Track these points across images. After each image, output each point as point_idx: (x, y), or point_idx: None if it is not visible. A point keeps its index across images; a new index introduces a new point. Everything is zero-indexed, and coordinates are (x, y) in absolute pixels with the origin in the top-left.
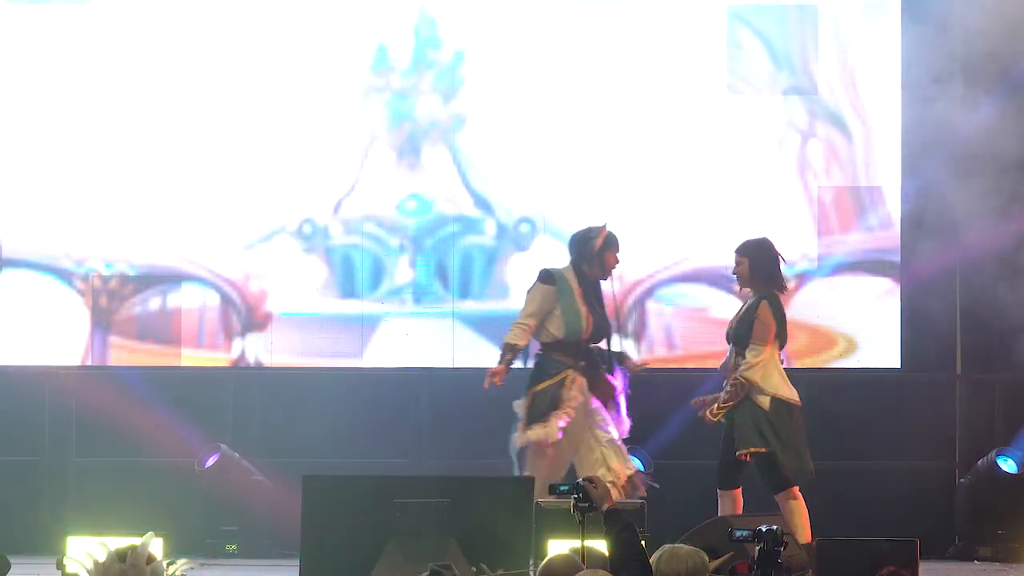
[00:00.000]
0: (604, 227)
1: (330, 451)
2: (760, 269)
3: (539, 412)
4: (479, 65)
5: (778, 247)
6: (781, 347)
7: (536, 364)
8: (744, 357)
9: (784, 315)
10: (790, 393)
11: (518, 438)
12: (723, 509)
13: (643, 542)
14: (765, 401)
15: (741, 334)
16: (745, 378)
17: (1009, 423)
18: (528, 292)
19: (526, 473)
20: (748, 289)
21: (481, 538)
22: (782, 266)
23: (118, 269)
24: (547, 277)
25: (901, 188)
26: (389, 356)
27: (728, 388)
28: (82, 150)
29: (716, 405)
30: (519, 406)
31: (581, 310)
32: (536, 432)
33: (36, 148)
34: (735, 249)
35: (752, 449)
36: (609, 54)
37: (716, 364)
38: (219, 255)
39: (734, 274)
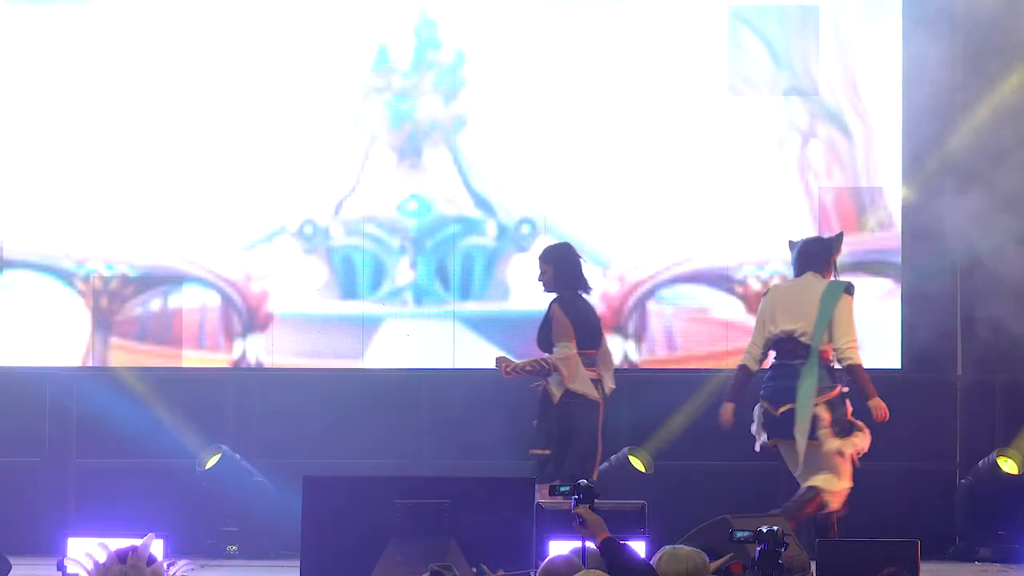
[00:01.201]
0: (842, 235)
1: (330, 452)
2: (564, 274)
3: (846, 420)
4: (480, 66)
5: (579, 251)
6: (586, 347)
7: (827, 372)
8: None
9: (581, 314)
10: (587, 391)
11: (839, 443)
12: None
13: (643, 543)
14: (558, 395)
15: (542, 338)
16: (553, 361)
17: (1009, 424)
18: (838, 306)
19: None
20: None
21: (481, 538)
22: (584, 269)
23: (119, 270)
24: (852, 289)
25: (902, 189)
26: (390, 357)
27: (533, 360)
28: (83, 151)
29: (514, 366)
30: (821, 409)
31: None
32: (864, 440)
33: (37, 149)
34: (538, 256)
35: (537, 451)
36: (610, 55)
37: (716, 365)
38: (220, 256)
39: (539, 281)
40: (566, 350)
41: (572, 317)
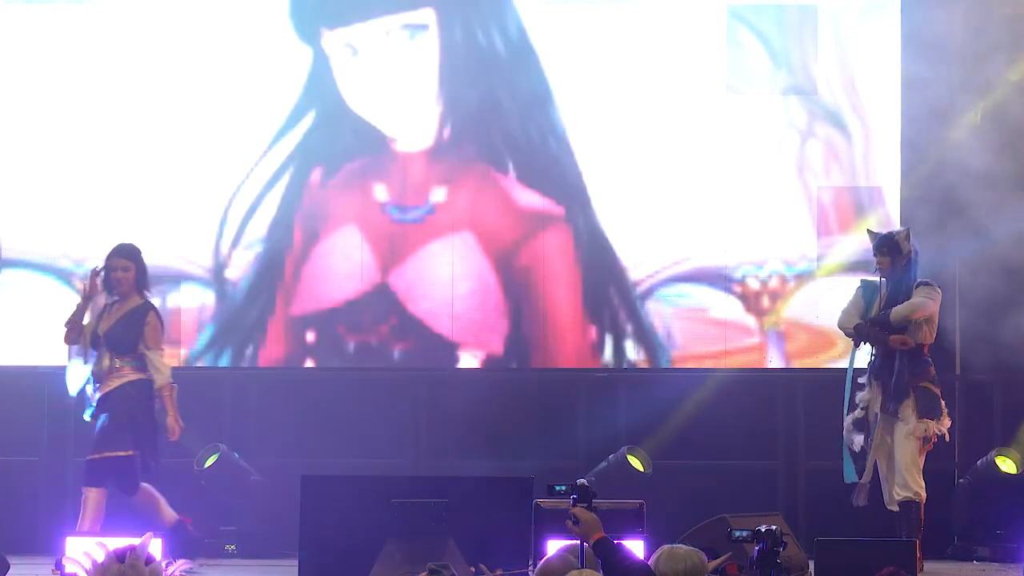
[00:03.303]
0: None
1: (329, 451)
2: (143, 275)
3: (935, 407)
4: None
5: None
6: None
7: (918, 361)
8: (127, 360)
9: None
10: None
11: (926, 426)
12: (88, 509)
13: (641, 542)
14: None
15: (125, 338)
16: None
17: (1008, 423)
18: (927, 296)
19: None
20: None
21: (479, 538)
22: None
23: None
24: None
25: (900, 188)
26: (389, 357)
27: (170, 386)
28: (81, 150)
29: (172, 418)
30: (908, 404)
31: None
32: (945, 424)
33: (36, 148)
34: (119, 255)
35: (120, 452)
36: (608, 54)
37: (715, 364)
38: (219, 256)
39: (118, 279)
40: (160, 356)
41: (162, 324)
